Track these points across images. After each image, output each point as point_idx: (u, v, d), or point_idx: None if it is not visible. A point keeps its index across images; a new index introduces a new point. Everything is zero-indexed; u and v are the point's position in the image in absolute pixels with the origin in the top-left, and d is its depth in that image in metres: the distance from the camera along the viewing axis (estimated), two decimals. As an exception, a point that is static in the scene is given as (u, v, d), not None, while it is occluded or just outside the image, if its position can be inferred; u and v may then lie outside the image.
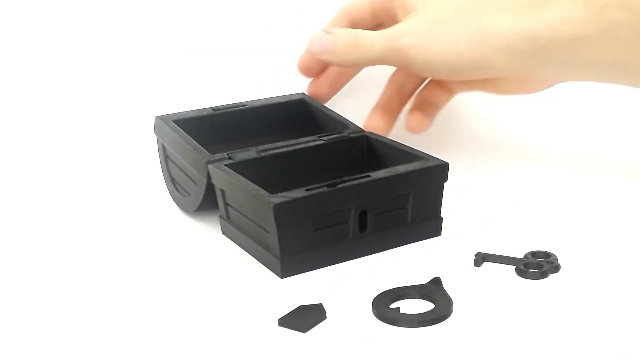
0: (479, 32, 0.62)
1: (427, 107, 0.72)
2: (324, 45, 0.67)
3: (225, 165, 0.60)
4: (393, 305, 0.50)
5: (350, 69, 0.73)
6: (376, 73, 0.74)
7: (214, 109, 0.69)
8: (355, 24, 0.70)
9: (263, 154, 0.62)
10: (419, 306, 0.50)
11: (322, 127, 0.69)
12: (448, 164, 0.59)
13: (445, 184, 0.59)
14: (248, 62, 0.84)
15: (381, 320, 0.49)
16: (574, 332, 0.47)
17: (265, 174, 0.60)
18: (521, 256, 0.55)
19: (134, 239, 0.62)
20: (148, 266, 0.58)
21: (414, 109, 0.72)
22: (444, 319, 0.49)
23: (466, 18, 0.63)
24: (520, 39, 0.61)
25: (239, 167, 0.59)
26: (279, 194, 0.54)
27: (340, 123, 0.67)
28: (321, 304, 0.50)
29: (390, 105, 0.72)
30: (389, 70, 0.73)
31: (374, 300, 0.51)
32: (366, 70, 0.75)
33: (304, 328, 0.49)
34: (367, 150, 0.65)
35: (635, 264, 0.55)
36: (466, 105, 0.80)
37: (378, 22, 0.71)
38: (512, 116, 0.81)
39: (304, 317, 0.49)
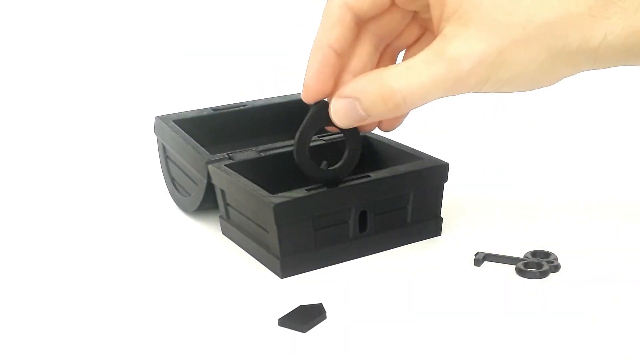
0: (564, 52, 0.49)
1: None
2: (353, 117, 0.52)
3: (225, 165, 0.60)
4: None
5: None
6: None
7: (214, 109, 0.69)
8: (362, 16, 0.53)
9: (263, 154, 0.62)
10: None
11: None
12: (448, 164, 0.59)
13: (445, 184, 0.59)
14: (248, 62, 0.84)
15: None
16: (573, 332, 0.47)
17: (265, 174, 0.60)
18: (521, 256, 0.55)
19: (134, 238, 0.62)
20: (148, 266, 0.58)
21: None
22: None
23: (541, 34, 0.49)
24: (615, 52, 0.50)
25: (239, 167, 0.59)
26: (279, 194, 0.54)
27: (341, 123, 0.67)
28: (321, 304, 0.50)
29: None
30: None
31: None
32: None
33: (304, 328, 0.49)
34: (367, 150, 0.65)
35: (635, 264, 0.55)
36: (466, 105, 0.80)
37: (401, 14, 0.54)
38: (512, 116, 0.81)
39: (304, 317, 0.49)
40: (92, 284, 0.55)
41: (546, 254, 0.55)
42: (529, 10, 0.48)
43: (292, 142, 0.64)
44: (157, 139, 0.68)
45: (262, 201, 0.54)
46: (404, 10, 0.53)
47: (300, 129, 0.55)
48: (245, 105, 0.70)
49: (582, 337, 0.47)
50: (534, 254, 0.56)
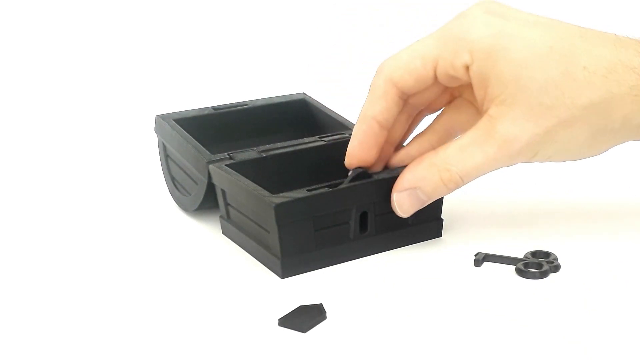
0: (607, 130, 0.53)
1: None
2: (417, 205, 0.55)
3: (226, 165, 0.60)
4: None
5: None
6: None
7: (214, 108, 0.69)
8: (406, 92, 0.55)
9: (264, 154, 0.62)
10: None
11: (323, 127, 0.69)
12: (448, 165, 0.59)
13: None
14: (248, 62, 0.84)
15: None
16: (574, 332, 0.48)
17: (266, 174, 0.60)
18: (521, 256, 0.55)
19: (134, 238, 0.62)
20: (148, 266, 0.58)
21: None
22: None
23: (585, 114, 0.52)
24: None
25: (240, 167, 0.59)
26: (280, 194, 0.54)
27: (341, 124, 0.67)
28: (321, 304, 0.50)
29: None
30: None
31: None
32: (368, 70, 0.74)
33: (304, 328, 0.49)
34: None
35: (635, 264, 0.55)
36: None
37: (440, 88, 0.57)
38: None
39: (304, 317, 0.49)
40: (92, 284, 0.55)
41: (546, 254, 0.55)
42: (573, 93, 0.51)
43: (292, 142, 0.64)
44: (158, 138, 0.68)
45: (263, 201, 0.54)
46: (444, 86, 0.56)
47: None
48: (246, 104, 0.70)
49: (582, 337, 0.47)
50: (534, 254, 0.56)
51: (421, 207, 0.55)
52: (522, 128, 0.52)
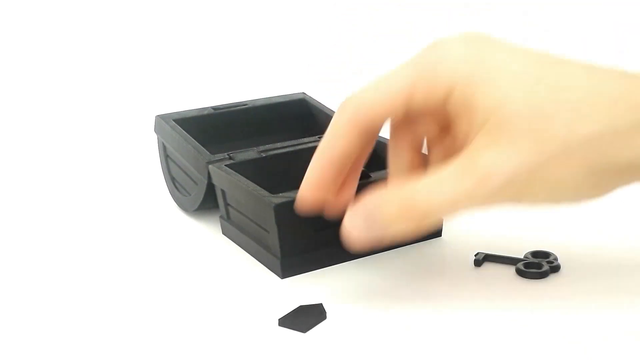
0: (610, 168, 0.45)
1: None
2: (368, 232, 0.47)
3: (225, 165, 0.60)
4: None
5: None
6: (377, 73, 0.74)
7: (214, 108, 0.69)
8: (372, 129, 0.49)
9: (264, 154, 0.62)
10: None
11: (322, 127, 0.68)
12: (448, 165, 0.59)
13: (446, 184, 0.59)
14: (248, 62, 0.84)
15: None
16: (574, 332, 0.48)
17: (266, 174, 0.60)
18: (521, 256, 0.55)
19: (134, 238, 0.62)
20: (148, 266, 0.58)
21: None
22: None
23: (583, 149, 0.44)
24: None
25: (240, 167, 0.59)
26: (280, 194, 0.54)
27: (341, 123, 0.67)
28: (321, 304, 0.50)
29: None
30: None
31: None
32: (367, 68, 0.74)
33: (304, 328, 0.49)
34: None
35: (635, 264, 0.55)
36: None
37: (415, 122, 0.50)
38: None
39: (304, 317, 0.49)
40: (92, 283, 0.55)
41: (546, 254, 0.55)
42: (569, 124, 0.44)
43: (292, 142, 0.64)
44: (158, 138, 0.68)
45: (263, 201, 0.54)
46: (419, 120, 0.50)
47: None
48: (246, 104, 0.70)
49: (582, 337, 0.47)
50: (534, 254, 0.56)
51: (374, 241, 0.47)
52: (506, 161, 0.44)
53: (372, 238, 0.47)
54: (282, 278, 0.55)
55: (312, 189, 0.49)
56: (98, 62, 0.92)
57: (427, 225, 0.47)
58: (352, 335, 0.48)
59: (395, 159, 0.51)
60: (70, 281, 0.56)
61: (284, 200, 0.54)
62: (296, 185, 0.56)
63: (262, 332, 0.49)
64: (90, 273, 0.57)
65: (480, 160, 0.45)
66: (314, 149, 0.63)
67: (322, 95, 0.74)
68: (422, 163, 0.50)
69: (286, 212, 0.54)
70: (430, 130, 0.50)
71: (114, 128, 0.84)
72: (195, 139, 0.63)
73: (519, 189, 0.45)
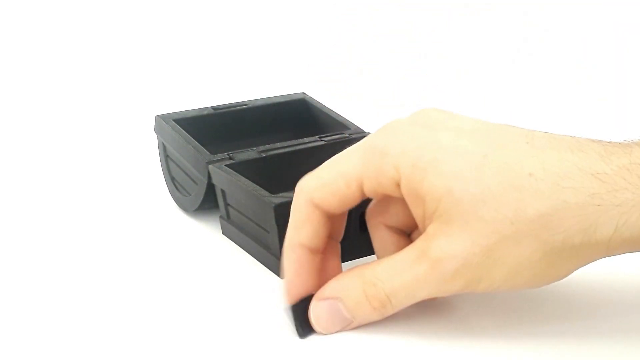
0: (565, 247, 0.44)
1: None
2: (337, 321, 0.48)
3: (225, 165, 0.60)
4: None
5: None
6: (377, 73, 0.74)
7: (214, 108, 0.69)
8: (332, 212, 0.48)
9: (264, 155, 0.62)
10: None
11: (323, 127, 0.69)
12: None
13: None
14: (248, 62, 0.84)
15: None
16: (573, 332, 0.47)
17: (265, 174, 0.60)
18: (521, 257, 0.55)
19: (134, 238, 0.62)
20: (148, 266, 0.58)
21: None
22: None
23: (533, 228, 0.44)
24: (634, 242, 0.45)
25: (240, 168, 0.59)
26: (280, 194, 0.54)
27: (341, 124, 0.67)
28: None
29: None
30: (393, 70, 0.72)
31: None
32: (367, 68, 0.74)
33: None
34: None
35: (635, 264, 0.55)
36: (467, 106, 0.80)
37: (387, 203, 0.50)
38: (513, 117, 0.81)
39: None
40: (91, 283, 0.55)
41: (546, 255, 0.55)
42: (517, 205, 0.43)
43: (292, 142, 0.64)
44: (158, 138, 0.68)
45: (263, 201, 0.54)
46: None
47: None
48: (246, 104, 0.70)
49: (582, 337, 0.47)
50: (534, 254, 0.55)
51: (345, 327, 0.48)
52: (457, 246, 0.44)
53: (339, 328, 0.48)
54: (282, 278, 0.55)
55: (293, 281, 0.49)
56: (98, 62, 0.92)
57: (389, 311, 0.47)
58: (353, 336, 0.48)
59: (379, 242, 0.51)
60: (70, 281, 0.56)
61: (284, 200, 0.54)
62: (296, 185, 0.56)
63: (262, 332, 0.49)
64: (90, 273, 0.57)
65: (433, 246, 0.45)
66: (314, 149, 0.63)
67: (322, 95, 0.74)
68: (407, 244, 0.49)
69: (286, 212, 0.53)
70: (400, 212, 0.49)
71: (114, 128, 0.84)
72: (195, 139, 0.63)
73: (475, 274, 0.45)
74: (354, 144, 0.51)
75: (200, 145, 0.62)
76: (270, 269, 0.56)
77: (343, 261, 0.56)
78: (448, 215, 0.44)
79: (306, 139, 0.64)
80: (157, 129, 0.67)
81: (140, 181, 0.72)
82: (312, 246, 0.48)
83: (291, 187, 0.55)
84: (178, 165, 0.66)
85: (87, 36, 0.92)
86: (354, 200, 0.48)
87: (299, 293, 0.48)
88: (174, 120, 0.66)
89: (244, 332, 0.49)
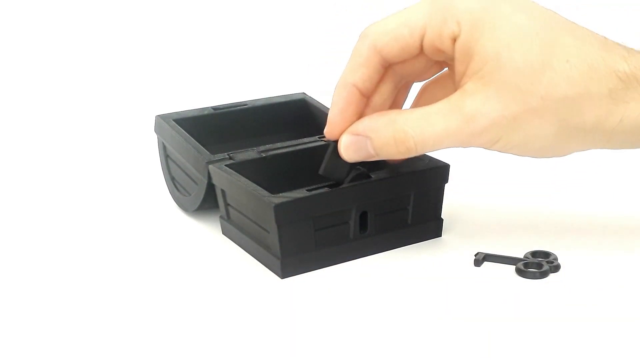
0: (577, 128, 0.51)
1: None
2: (362, 154, 0.53)
3: (225, 165, 0.60)
4: None
5: None
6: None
7: (214, 108, 0.69)
8: (389, 60, 0.53)
9: (264, 155, 0.62)
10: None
11: (322, 127, 0.68)
12: (449, 165, 0.59)
13: (446, 185, 0.59)
14: (248, 62, 0.84)
15: None
16: (574, 332, 0.48)
17: (266, 174, 0.60)
18: (521, 256, 0.55)
19: (134, 238, 0.62)
20: (148, 266, 0.58)
21: None
22: None
23: (558, 107, 0.50)
24: (629, 135, 0.51)
25: (240, 168, 0.59)
26: (280, 194, 0.54)
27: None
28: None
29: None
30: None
31: None
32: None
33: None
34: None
35: (635, 264, 0.55)
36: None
37: (426, 59, 0.54)
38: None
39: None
40: (92, 284, 0.55)
41: (546, 254, 0.55)
42: (550, 83, 0.49)
43: (292, 142, 0.64)
44: (158, 138, 0.68)
45: (263, 201, 0.54)
46: (430, 57, 0.53)
47: (322, 167, 0.55)
48: (246, 104, 0.70)
49: (582, 337, 0.47)
50: (534, 254, 0.56)
51: (367, 159, 0.53)
52: (491, 107, 0.50)
53: (362, 159, 0.53)
54: (282, 278, 0.55)
55: (339, 115, 0.53)
56: (98, 62, 0.92)
57: (412, 154, 0.52)
58: (353, 336, 0.48)
59: (381, 92, 0.55)
60: (70, 281, 0.56)
61: (284, 200, 0.54)
62: (296, 185, 0.56)
63: (262, 332, 0.49)
64: (90, 273, 0.57)
65: (469, 103, 0.50)
66: (314, 149, 0.63)
67: (322, 95, 0.74)
68: (402, 104, 0.56)
69: (286, 212, 0.54)
70: (423, 73, 0.54)
71: (114, 128, 0.84)
72: (195, 139, 0.63)
73: (497, 134, 0.50)
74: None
75: (200, 145, 0.62)
76: (270, 269, 0.56)
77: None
78: (490, 77, 0.50)
79: (306, 139, 0.64)
80: (157, 129, 0.67)
81: (140, 181, 0.72)
82: (363, 89, 0.53)
83: (291, 187, 0.56)
84: (178, 165, 0.66)
85: (87, 37, 0.92)
86: (413, 50, 0.52)
87: (341, 129, 0.54)
88: (174, 120, 0.66)
89: (244, 332, 0.49)
